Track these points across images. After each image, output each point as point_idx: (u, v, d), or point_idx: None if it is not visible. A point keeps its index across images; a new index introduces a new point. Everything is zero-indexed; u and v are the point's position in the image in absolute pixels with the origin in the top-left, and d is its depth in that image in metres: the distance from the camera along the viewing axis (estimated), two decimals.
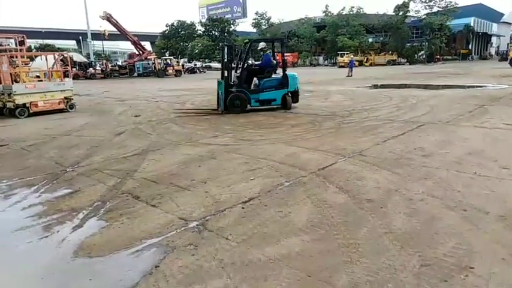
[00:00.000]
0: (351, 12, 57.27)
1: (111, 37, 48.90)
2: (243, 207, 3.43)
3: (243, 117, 8.92)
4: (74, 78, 16.24)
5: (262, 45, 10.29)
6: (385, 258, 2.49)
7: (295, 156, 5.17)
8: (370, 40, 56.73)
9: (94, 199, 3.79)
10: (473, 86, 14.65)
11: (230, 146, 5.99)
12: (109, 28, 43.53)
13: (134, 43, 43.46)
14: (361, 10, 57.33)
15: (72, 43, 77.35)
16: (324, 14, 61.42)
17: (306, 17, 64.48)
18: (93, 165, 5.11)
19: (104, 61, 47.14)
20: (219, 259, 2.56)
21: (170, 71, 38.43)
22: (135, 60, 43.41)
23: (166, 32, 64.34)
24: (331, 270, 2.39)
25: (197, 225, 3.10)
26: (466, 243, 2.65)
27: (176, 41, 64.03)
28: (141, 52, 43.76)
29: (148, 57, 42.57)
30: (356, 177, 4.16)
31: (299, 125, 7.63)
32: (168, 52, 57.30)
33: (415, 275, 2.30)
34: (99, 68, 41.32)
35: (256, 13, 66.50)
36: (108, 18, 40.17)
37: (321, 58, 63.13)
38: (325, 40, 58.91)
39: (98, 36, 50.81)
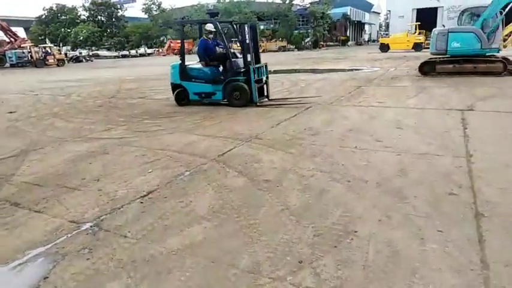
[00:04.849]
0: (243, 0, 58.19)
1: None
2: (141, 202, 3.30)
3: (138, 107, 8.53)
4: None
5: (209, 27, 8.11)
6: (283, 234, 2.65)
7: (195, 144, 5.13)
8: (262, 27, 58.54)
9: None
10: (352, 70, 16.25)
11: (125, 138, 5.66)
12: None
13: (3, 29, 37.77)
14: None
15: None
16: (216, 0, 61.29)
17: (198, 4, 63.49)
18: None
19: None
20: (117, 259, 2.43)
21: (51, 61, 34.51)
22: (5, 48, 37.82)
23: (44, 16, 57.19)
24: (234, 253, 2.45)
25: (91, 226, 2.89)
26: (350, 210, 2.97)
27: (56, 26, 57.37)
28: (12, 39, 38.29)
29: (22, 45, 37.54)
30: (254, 160, 4.32)
31: (197, 112, 7.56)
32: (47, 39, 51.07)
33: (310, 245, 2.50)
34: None
35: None
36: None
37: None
38: None
39: None
